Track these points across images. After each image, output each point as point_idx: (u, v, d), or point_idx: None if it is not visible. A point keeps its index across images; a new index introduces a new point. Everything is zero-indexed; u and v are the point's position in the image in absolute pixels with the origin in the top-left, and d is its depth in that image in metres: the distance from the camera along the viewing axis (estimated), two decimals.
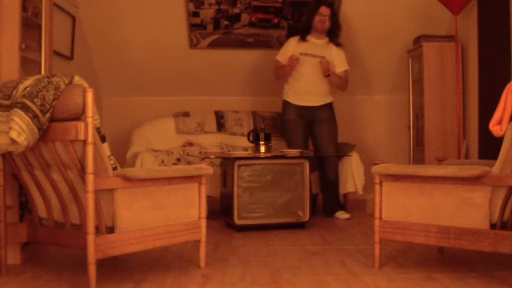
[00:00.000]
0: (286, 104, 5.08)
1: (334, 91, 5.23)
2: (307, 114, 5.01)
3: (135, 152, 5.39)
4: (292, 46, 5.05)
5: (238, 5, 5.71)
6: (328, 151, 4.98)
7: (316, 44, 5.06)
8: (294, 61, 4.89)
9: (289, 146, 4.97)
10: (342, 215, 4.90)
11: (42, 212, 2.88)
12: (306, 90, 5.00)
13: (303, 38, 5.06)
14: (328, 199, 5.07)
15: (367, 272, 2.95)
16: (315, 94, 5.01)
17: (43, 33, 3.46)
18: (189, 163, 5.16)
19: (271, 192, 4.32)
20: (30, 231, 2.96)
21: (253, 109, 6.13)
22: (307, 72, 4.96)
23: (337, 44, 5.12)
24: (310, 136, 5.11)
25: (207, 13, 5.71)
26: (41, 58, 3.45)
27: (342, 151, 5.37)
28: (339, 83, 5.07)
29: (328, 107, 5.07)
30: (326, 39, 5.09)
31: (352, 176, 5.30)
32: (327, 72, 4.92)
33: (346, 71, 5.09)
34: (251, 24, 5.83)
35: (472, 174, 2.62)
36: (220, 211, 4.75)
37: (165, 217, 2.87)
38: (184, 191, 2.98)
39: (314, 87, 5.00)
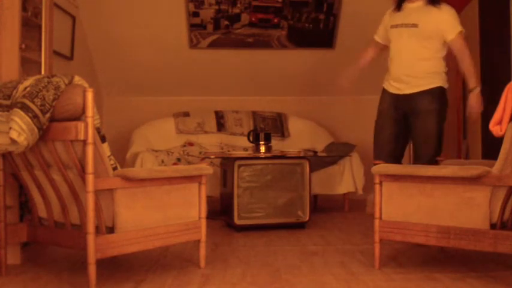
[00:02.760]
0: (382, 92, 4.08)
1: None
2: (403, 104, 3.91)
3: (135, 152, 5.39)
4: (386, 21, 4.09)
5: (238, 5, 5.72)
6: (422, 153, 3.84)
7: (411, 9, 3.90)
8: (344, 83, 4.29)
9: (374, 146, 4.12)
10: None
11: (42, 212, 2.88)
12: (402, 72, 3.89)
13: (398, 7, 3.99)
14: None
15: (367, 272, 2.95)
16: (412, 77, 3.84)
17: (43, 33, 3.46)
18: (189, 163, 5.16)
19: (271, 192, 4.32)
20: (30, 231, 2.96)
21: (253, 109, 6.14)
22: (401, 48, 3.88)
23: (437, 2, 3.83)
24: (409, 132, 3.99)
25: (207, 13, 5.71)
26: (41, 58, 3.45)
27: (342, 151, 5.38)
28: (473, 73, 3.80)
29: (431, 93, 3.81)
30: (423, 1, 3.88)
31: (352, 176, 5.31)
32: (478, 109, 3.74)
33: (460, 32, 3.77)
34: (251, 24, 5.83)
35: (472, 174, 2.62)
36: (220, 211, 4.75)
37: (165, 217, 2.87)
38: (184, 191, 2.98)
39: (411, 68, 3.85)
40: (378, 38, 4.21)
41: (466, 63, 3.77)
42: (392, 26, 3.94)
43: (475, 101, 3.69)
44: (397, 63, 3.88)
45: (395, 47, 3.92)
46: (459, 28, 3.75)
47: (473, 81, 3.70)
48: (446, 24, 3.76)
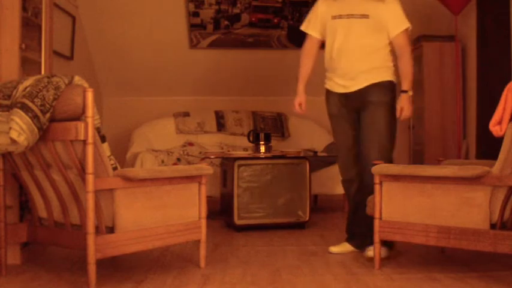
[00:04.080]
0: (326, 94, 3.54)
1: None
2: (353, 101, 3.41)
3: (135, 152, 5.39)
4: (322, 11, 3.47)
5: (238, 5, 5.72)
6: (369, 154, 3.30)
7: None
8: (299, 111, 3.62)
9: (338, 152, 3.56)
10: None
11: (42, 212, 2.88)
12: (353, 68, 3.37)
13: None
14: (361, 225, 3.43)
15: (367, 272, 2.95)
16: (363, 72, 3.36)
17: (43, 33, 3.46)
18: (189, 163, 5.16)
19: (271, 192, 4.32)
20: (30, 231, 2.96)
21: (253, 109, 6.14)
22: (350, 41, 3.35)
23: None
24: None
25: (207, 13, 5.71)
26: (41, 58, 3.45)
27: None
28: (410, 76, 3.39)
29: (382, 86, 3.36)
30: None
31: None
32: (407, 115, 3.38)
33: (406, 29, 3.37)
34: (251, 24, 5.83)
35: (472, 174, 2.62)
36: (220, 211, 4.75)
37: (165, 217, 2.87)
38: (184, 191, 2.98)
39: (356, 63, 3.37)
40: (314, 32, 3.51)
41: (406, 62, 3.37)
42: (335, 17, 3.37)
43: (407, 104, 3.32)
44: (346, 58, 3.33)
45: (341, 40, 3.34)
46: (407, 24, 3.34)
47: (407, 84, 3.33)
48: (394, 17, 3.33)
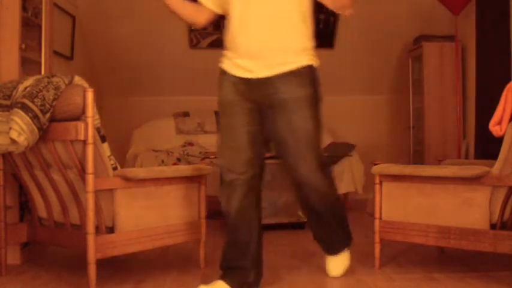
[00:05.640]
0: (221, 76, 2.71)
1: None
2: (257, 92, 2.58)
3: (135, 152, 5.39)
4: None
5: None
6: (299, 168, 2.62)
7: None
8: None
9: (223, 154, 2.77)
10: (333, 268, 2.91)
11: (42, 212, 2.88)
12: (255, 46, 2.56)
13: None
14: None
15: (367, 272, 2.95)
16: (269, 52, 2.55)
17: (43, 33, 3.46)
18: (189, 163, 5.16)
19: (271, 192, 4.32)
20: (30, 231, 2.96)
21: None
22: (252, 15, 2.54)
23: None
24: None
25: None
26: (41, 58, 3.46)
27: (342, 151, 5.37)
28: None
29: (299, 75, 2.57)
30: None
31: (352, 176, 5.31)
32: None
33: None
34: None
35: (472, 174, 2.62)
36: (220, 211, 4.74)
37: (165, 217, 2.87)
38: (184, 191, 2.98)
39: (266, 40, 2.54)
40: (208, 2, 2.75)
41: None
42: None
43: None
44: (247, 32, 2.53)
45: (242, 12, 2.55)
46: None
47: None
48: None
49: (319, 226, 2.86)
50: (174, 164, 5.14)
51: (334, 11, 2.63)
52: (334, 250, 2.90)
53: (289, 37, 2.54)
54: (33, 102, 2.48)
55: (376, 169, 3.00)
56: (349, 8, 2.55)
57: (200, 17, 2.78)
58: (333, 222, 2.82)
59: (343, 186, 5.30)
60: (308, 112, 2.54)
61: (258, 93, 2.56)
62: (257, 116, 2.61)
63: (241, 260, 2.61)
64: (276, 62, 2.52)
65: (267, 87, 2.54)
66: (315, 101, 2.59)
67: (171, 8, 2.81)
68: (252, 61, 2.54)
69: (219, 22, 5.80)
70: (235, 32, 2.56)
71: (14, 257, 3.06)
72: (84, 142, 2.49)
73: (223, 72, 2.66)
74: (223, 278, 2.60)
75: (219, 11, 2.73)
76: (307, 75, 2.57)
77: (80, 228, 2.66)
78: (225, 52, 2.66)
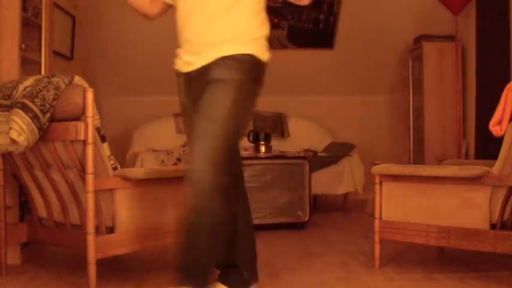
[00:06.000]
0: (176, 76, 2.50)
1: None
2: (198, 84, 2.36)
3: (135, 152, 5.39)
4: None
5: None
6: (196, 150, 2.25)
7: None
8: None
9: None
10: None
11: (42, 212, 2.88)
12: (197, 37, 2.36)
13: None
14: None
15: (367, 272, 2.95)
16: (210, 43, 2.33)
17: (43, 33, 3.46)
18: (189, 163, 5.15)
19: (271, 192, 4.32)
20: (30, 231, 2.96)
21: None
22: (196, 2, 2.35)
23: None
24: None
25: None
26: (41, 58, 3.46)
27: (342, 151, 5.38)
28: None
29: (233, 59, 2.30)
30: None
31: (352, 176, 5.31)
32: None
33: None
34: None
35: (472, 174, 2.62)
36: None
37: (165, 217, 2.86)
38: (184, 191, 2.97)
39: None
40: None
41: None
42: None
43: None
44: (189, 25, 2.35)
45: (186, 2, 2.37)
46: None
47: None
48: None
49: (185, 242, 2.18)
50: (174, 164, 5.14)
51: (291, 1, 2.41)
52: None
53: (234, 28, 2.33)
54: (33, 102, 2.48)
55: (376, 169, 3.00)
56: None
57: (153, 9, 2.65)
58: (200, 244, 2.17)
59: (343, 186, 5.30)
60: (233, 94, 2.23)
61: (199, 84, 2.33)
62: None
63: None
64: (214, 50, 2.31)
65: (204, 74, 2.31)
66: (246, 89, 2.30)
67: None
68: (193, 56, 2.36)
69: None
70: (181, 25, 2.40)
71: (14, 257, 3.06)
72: (84, 142, 2.49)
73: (178, 73, 2.47)
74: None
75: (170, 2, 2.55)
76: (245, 62, 2.31)
77: (80, 228, 2.66)
78: (177, 50, 2.47)
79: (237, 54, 2.30)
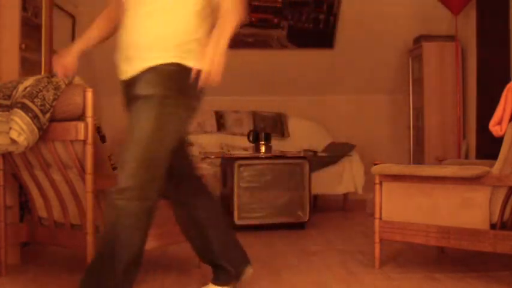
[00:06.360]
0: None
1: None
2: (129, 93, 2.35)
3: None
4: None
5: None
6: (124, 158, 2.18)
7: None
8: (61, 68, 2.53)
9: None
10: None
11: (42, 212, 2.88)
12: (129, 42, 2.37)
13: None
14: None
15: (367, 272, 2.95)
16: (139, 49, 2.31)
17: (43, 33, 3.46)
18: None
19: (271, 192, 4.32)
20: (30, 231, 2.95)
21: (253, 109, 6.13)
22: (131, 7, 2.32)
23: None
24: None
25: None
26: (41, 58, 3.45)
27: (342, 151, 5.38)
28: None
29: (155, 72, 2.22)
30: None
31: (352, 176, 5.31)
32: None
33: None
34: (251, 24, 5.83)
35: (472, 174, 2.62)
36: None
37: (164, 217, 2.86)
38: None
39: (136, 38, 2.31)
40: None
41: (224, 31, 2.26)
42: None
43: (210, 65, 2.19)
44: (125, 30, 2.36)
45: (125, 7, 2.35)
46: None
47: (209, 59, 2.19)
48: None
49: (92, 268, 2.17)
50: None
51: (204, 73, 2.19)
52: None
53: (159, 32, 2.23)
54: (33, 102, 2.48)
55: (376, 169, 3.00)
56: (214, 77, 2.20)
57: (112, 24, 2.61)
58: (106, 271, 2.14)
59: (343, 186, 5.30)
60: (154, 113, 2.15)
61: (131, 95, 2.27)
62: None
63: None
64: (141, 58, 2.26)
65: (133, 87, 2.26)
66: (171, 104, 2.19)
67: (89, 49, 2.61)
68: (126, 63, 2.34)
69: None
70: (120, 31, 2.34)
71: (14, 257, 3.06)
72: (84, 142, 2.49)
73: (120, 81, 2.40)
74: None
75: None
76: (167, 74, 2.20)
77: (80, 228, 2.66)
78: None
79: (160, 65, 2.20)
